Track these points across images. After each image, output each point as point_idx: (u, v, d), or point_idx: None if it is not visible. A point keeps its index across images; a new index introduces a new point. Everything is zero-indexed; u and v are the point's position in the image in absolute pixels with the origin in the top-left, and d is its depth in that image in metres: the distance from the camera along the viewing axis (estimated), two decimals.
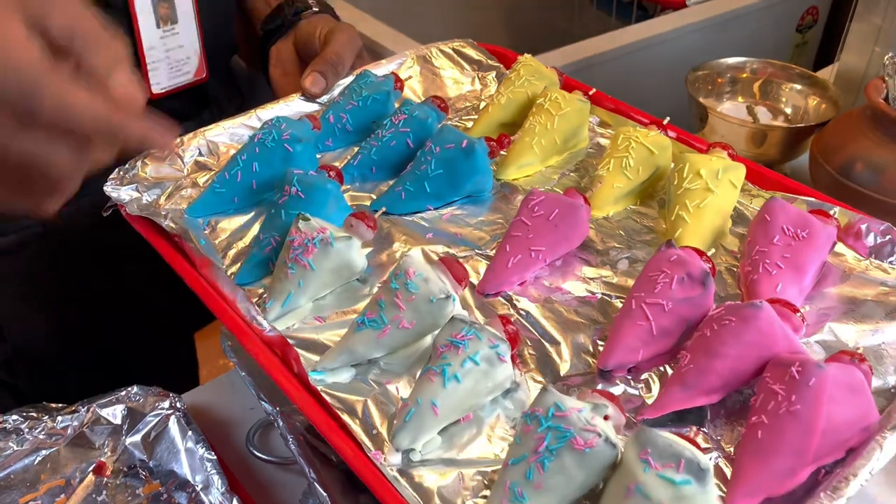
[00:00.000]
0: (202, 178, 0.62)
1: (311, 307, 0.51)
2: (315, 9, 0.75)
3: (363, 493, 0.46)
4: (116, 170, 0.60)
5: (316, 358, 0.46)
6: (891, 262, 0.52)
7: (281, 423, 0.50)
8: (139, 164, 0.61)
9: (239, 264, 0.54)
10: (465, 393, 0.42)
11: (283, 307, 0.49)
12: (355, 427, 0.42)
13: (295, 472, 0.55)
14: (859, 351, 0.43)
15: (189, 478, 0.52)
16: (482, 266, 0.53)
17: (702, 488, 0.35)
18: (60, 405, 0.57)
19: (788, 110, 0.93)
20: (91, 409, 0.56)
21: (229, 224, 0.58)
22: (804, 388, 0.39)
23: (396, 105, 0.67)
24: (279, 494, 0.54)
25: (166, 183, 0.61)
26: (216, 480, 0.52)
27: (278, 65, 0.75)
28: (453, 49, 0.77)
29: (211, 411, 0.60)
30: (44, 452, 0.54)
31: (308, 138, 0.61)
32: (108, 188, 0.58)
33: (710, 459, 0.40)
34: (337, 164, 0.64)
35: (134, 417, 0.56)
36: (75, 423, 0.55)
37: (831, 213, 0.54)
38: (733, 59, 0.94)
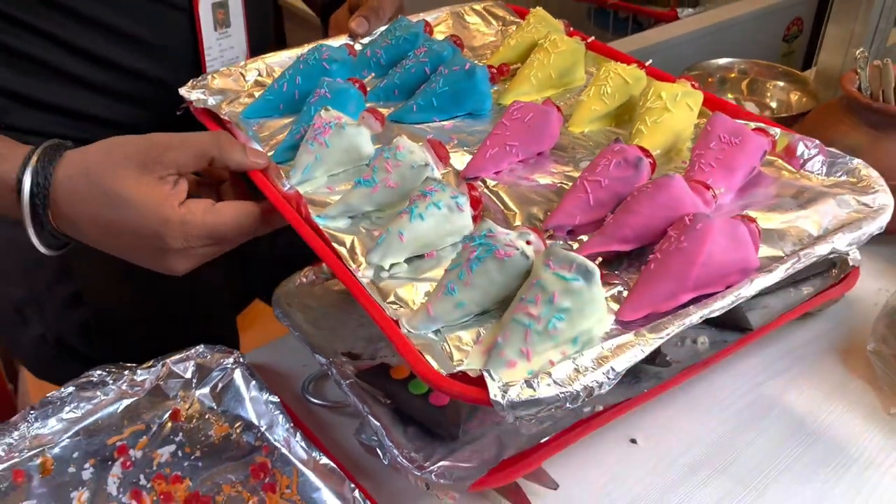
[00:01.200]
0: (258, 92, 0.76)
1: (326, 180, 0.63)
2: None
3: (410, 426, 0.56)
4: (192, 80, 0.75)
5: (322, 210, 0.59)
6: (817, 173, 0.60)
7: (334, 372, 0.61)
8: (209, 77, 0.76)
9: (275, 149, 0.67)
10: (426, 229, 0.53)
11: (302, 174, 0.62)
12: (342, 251, 0.54)
13: (347, 415, 0.66)
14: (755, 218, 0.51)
15: (255, 420, 0.63)
16: (468, 157, 0.64)
17: (587, 285, 0.45)
18: (136, 364, 0.66)
19: (774, 104, 1.03)
20: (165, 365, 0.65)
21: (275, 124, 0.71)
22: (692, 230, 0.48)
23: None
24: (335, 432, 0.65)
25: (229, 93, 0.75)
26: (280, 419, 0.61)
27: (335, 28, 0.87)
28: (484, 8, 0.89)
29: (269, 368, 0.71)
30: (126, 402, 0.63)
31: (344, 60, 0.74)
32: (183, 90, 0.73)
33: (616, 290, 0.50)
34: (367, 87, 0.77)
35: (202, 372, 0.65)
36: (152, 377, 0.65)
37: (771, 132, 0.62)
38: (723, 59, 1.06)
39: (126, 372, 0.65)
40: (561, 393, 0.41)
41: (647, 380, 0.57)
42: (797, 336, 0.72)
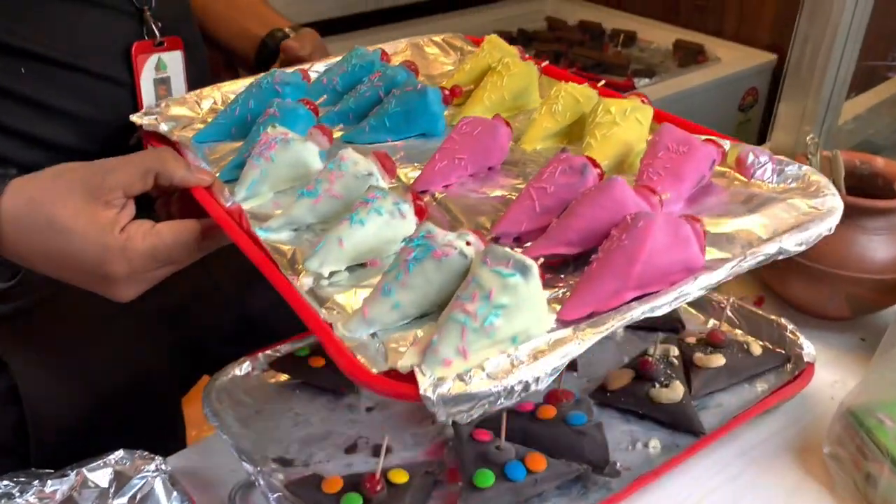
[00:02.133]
0: (211, 118, 0.75)
1: (272, 196, 0.62)
2: (292, 33, 0.89)
3: None
4: (146, 107, 0.74)
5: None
6: (767, 181, 0.59)
7: (261, 482, 0.56)
8: (163, 104, 0.75)
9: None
10: (366, 235, 0.51)
11: (247, 190, 0.61)
12: (281, 260, 0.52)
13: None
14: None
15: None
16: (417, 173, 0.63)
17: (525, 280, 0.43)
18: (49, 470, 0.59)
19: None
20: (79, 474, 0.58)
21: (226, 147, 0.70)
22: (634, 228, 0.47)
23: None
24: None
25: (183, 119, 0.75)
26: None
27: None
28: (443, 39, 0.90)
29: (195, 473, 0.64)
30: None
31: (297, 84, 0.73)
32: (134, 117, 0.72)
33: (559, 293, 0.48)
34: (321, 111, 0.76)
35: (121, 480, 0.58)
36: (64, 488, 0.58)
37: (720, 142, 0.62)
38: None
39: (36, 481, 0.58)
40: (495, 388, 0.39)
41: (596, 491, 0.56)
42: (751, 435, 0.65)
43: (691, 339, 0.69)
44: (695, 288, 0.46)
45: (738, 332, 0.72)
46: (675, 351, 0.68)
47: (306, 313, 0.47)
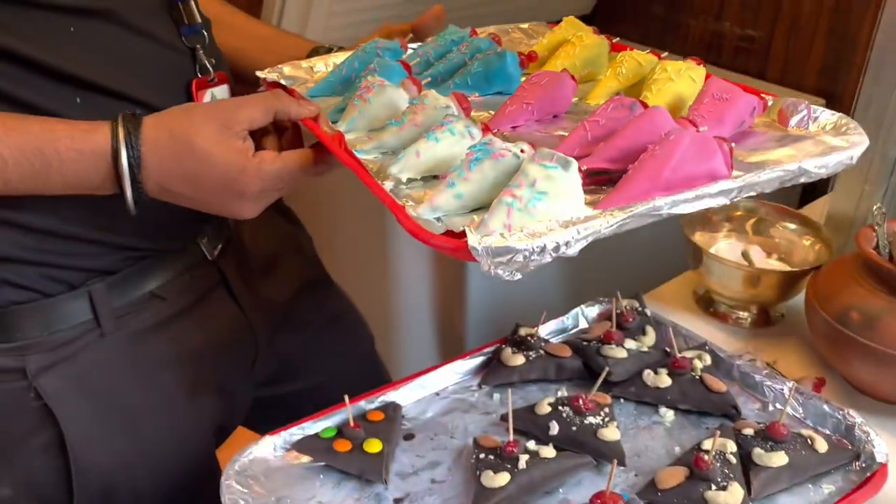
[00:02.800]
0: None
1: (366, 133, 0.73)
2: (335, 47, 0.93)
3: None
4: (268, 69, 0.88)
5: None
6: (803, 126, 0.65)
7: None
8: (281, 67, 0.88)
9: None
10: (440, 149, 0.61)
11: (346, 126, 0.72)
12: (371, 168, 0.63)
13: None
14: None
15: None
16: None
17: (565, 173, 0.52)
18: None
19: (782, 249, 0.94)
20: None
21: (333, 101, 0.81)
22: (666, 141, 0.55)
23: None
24: None
25: (298, 79, 0.87)
26: None
27: None
28: (529, 27, 1.00)
29: None
30: None
31: (396, 50, 0.85)
32: (259, 73, 0.85)
33: (598, 197, 0.56)
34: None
35: None
36: None
37: (764, 97, 0.68)
38: None
39: None
40: (530, 244, 0.48)
41: None
42: None
43: (749, 431, 0.66)
44: (715, 189, 0.53)
45: (800, 422, 0.70)
46: (732, 446, 0.64)
47: (386, 198, 0.57)
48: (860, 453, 0.67)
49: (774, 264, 0.93)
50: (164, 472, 0.76)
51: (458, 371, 0.78)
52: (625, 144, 0.58)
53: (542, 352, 0.78)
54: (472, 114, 0.73)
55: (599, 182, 0.59)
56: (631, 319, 0.81)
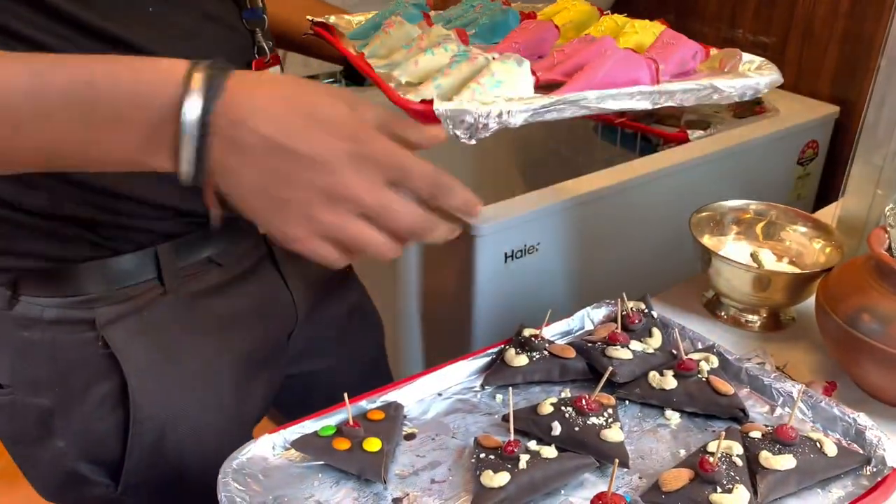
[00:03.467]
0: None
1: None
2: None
3: None
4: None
5: None
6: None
7: None
8: (330, 18, 0.91)
9: None
10: (434, 61, 0.68)
11: (370, 51, 0.78)
12: (381, 73, 0.72)
13: None
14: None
15: None
16: None
17: (519, 67, 0.64)
18: None
19: (792, 252, 0.92)
20: None
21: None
22: (603, 54, 0.67)
23: None
24: None
25: (341, 26, 0.89)
26: None
27: None
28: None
29: None
30: None
31: (421, 5, 0.90)
32: (309, 17, 0.89)
33: None
34: None
35: None
36: None
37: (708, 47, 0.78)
38: (735, 201, 0.95)
39: None
40: (480, 110, 0.58)
41: None
42: None
43: (756, 433, 0.65)
44: (636, 90, 0.65)
45: (809, 425, 0.69)
46: (738, 448, 0.63)
47: (384, 87, 0.67)
48: (871, 458, 0.65)
49: (785, 267, 0.91)
50: (210, 432, 0.79)
51: (461, 371, 0.77)
52: (576, 61, 0.69)
53: (546, 353, 0.77)
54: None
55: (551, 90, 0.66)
56: (637, 321, 0.80)
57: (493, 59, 0.64)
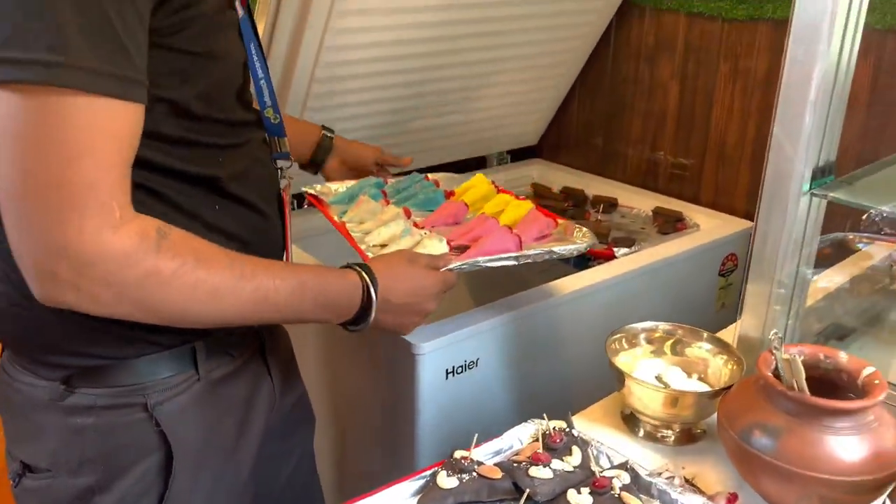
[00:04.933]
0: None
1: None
2: (330, 134, 1.34)
3: None
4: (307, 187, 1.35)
5: None
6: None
7: None
8: (318, 186, 1.36)
9: None
10: (389, 231, 1.16)
11: (348, 218, 1.24)
12: (357, 236, 1.20)
13: None
14: None
15: None
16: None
17: (439, 242, 1.09)
18: None
19: (700, 368, 1.03)
20: None
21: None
22: (489, 232, 1.14)
23: None
24: None
25: (326, 193, 1.35)
26: None
27: (334, 174, 1.37)
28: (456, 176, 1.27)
29: None
30: None
31: (380, 184, 1.36)
32: (304, 188, 1.33)
33: None
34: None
35: None
36: None
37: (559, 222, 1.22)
38: (646, 323, 1.07)
39: None
40: None
41: None
42: None
43: None
44: (507, 255, 1.07)
45: None
46: None
47: (358, 249, 1.12)
48: None
49: (692, 384, 1.00)
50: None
51: (398, 494, 0.83)
52: (476, 234, 1.13)
53: (474, 474, 0.83)
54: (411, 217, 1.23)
55: (461, 251, 1.10)
56: (559, 440, 0.88)
57: (426, 234, 1.12)
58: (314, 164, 1.35)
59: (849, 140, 1.48)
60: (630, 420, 1.02)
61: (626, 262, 1.50)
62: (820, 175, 0.94)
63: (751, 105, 1.77)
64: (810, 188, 0.93)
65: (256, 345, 1.01)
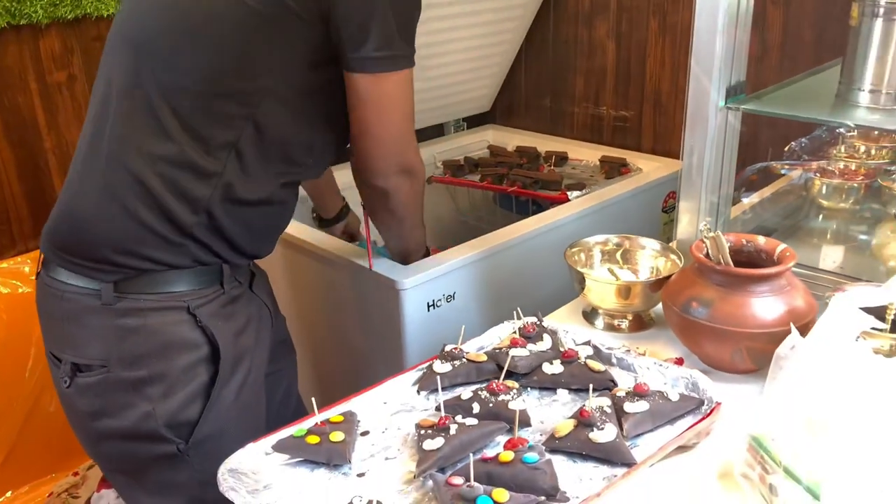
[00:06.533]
0: None
1: None
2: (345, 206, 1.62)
3: None
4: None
5: None
6: None
7: None
8: None
9: None
10: None
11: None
12: None
13: None
14: None
15: None
16: None
17: None
18: None
19: (646, 270, 1.20)
20: None
21: None
22: None
23: None
24: None
25: None
26: None
27: (335, 233, 1.61)
28: None
29: None
30: None
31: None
32: None
33: None
34: None
35: None
36: None
37: None
38: (598, 236, 1.23)
39: None
40: None
41: None
42: (678, 466, 0.82)
43: (621, 392, 0.87)
44: None
45: (661, 384, 0.91)
46: (607, 402, 0.86)
47: None
48: (703, 400, 0.89)
49: (638, 280, 1.17)
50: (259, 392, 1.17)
51: (400, 383, 0.98)
52: None
53: (464, 360, 0.98)
54: None
55: None
56: (531, 331, 1.03)
57: None
58: (327, 223, 1.61)
59: (765, 64, 1.67)
60: (590, 315, 1.18)
61: (578, 203, 1.68)
62: (734, 93, 1.11)
63: (680, 56, 1.95)
64: (725, 104, 1.10)
65: (251, 277, 1.19)
